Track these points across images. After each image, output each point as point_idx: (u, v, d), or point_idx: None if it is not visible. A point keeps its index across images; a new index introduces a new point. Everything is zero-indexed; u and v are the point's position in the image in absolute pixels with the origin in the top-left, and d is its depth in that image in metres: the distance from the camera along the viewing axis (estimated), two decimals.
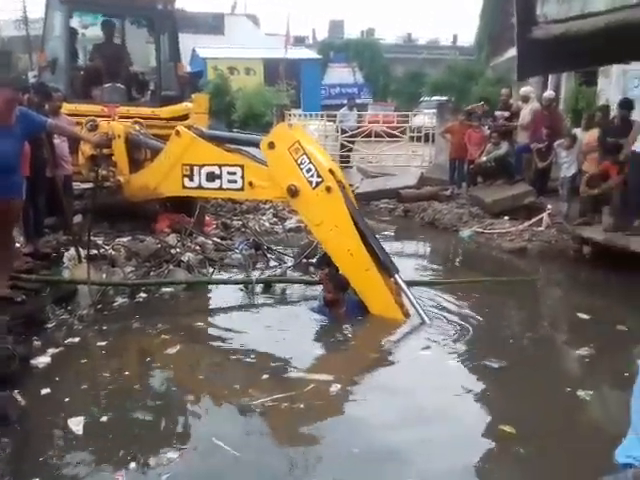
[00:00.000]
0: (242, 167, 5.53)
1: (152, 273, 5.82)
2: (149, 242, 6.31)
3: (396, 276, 5.02)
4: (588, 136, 8.31)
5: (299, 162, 5.09)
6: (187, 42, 23.88)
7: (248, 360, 4.22)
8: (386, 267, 5.00)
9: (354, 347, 4.72)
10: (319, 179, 5.02)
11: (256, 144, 5.58)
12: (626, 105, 7.48)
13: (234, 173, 5.58)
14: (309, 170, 5.05)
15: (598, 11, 6.64)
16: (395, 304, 4.92)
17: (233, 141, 6.42)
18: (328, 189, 4.99)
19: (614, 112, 8.38)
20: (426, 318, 4.87)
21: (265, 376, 3.88)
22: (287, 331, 4.80)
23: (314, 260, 6.51)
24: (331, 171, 5.14)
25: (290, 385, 3.73)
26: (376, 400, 3.63)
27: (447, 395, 3.68)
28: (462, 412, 3.54)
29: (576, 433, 3.35)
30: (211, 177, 5.71)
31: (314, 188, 5.04)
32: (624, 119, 7.29)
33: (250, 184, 5.49)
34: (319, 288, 5.50)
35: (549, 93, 10.52)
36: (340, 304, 5.02)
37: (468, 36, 30.57)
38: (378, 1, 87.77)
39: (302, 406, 3.47)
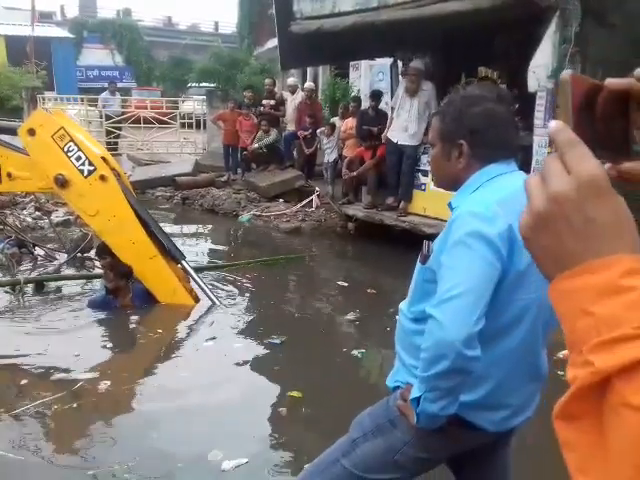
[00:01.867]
0: None
1: None
2: None
3: (183, 262, 5.04)
4: (345, 124, 9.20)
5: (66, 150, 4.75)
6: None
7: (21, 365, 3.89)
8: (172, 254, 4.98)
9: (139, 337, 4.62)
10: (91, 167, 4.75)
11: (12, 131, 5.04)
12: (375, 96, 8.47)
13: None
14: (79, 158, 4.75)
15: (347, 11, 7.38)
16: (184, 290, 4.93)
17: None
18: (102, 177, 4.75)
19: (366, 102, 9.40)
20: (215, 300, 4.99)
21: (40, 380, 3.69)
22: (65, 329, 4.50)
23: (91, 253, 6.13)
24: (104, 159, 4.90)
25: (64, 386, 3.55)
26: (170, 389, 3.63)
27: (234, 374, 3.84)
28: (250, 387, 3.71)
29: (357, 387, 3.75)
30: None
31: (86, 177, 4.76)
32: (376, 109, 8.26)
33: (9, 175, 4.93)
34: (100, 281, 5.25)
35: (309, 84, 11.34)
36: (124, 292, 4.85)
37: (230, 24, 31.01)
38: None
39: (76, 405, 3.36)
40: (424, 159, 7.02)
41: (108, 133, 13.01)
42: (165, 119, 13.69)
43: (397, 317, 1.74)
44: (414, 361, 1.60)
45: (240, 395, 3.57)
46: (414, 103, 7.06)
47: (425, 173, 6.96)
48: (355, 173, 7.77)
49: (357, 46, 8.37)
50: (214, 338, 4.38)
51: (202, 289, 5.04)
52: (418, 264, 1.64)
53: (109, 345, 4.40)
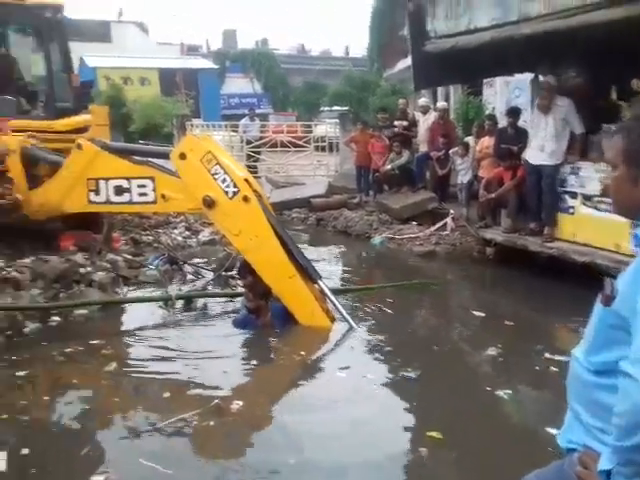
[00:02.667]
0: (153, 179, 5.36)
1: (62, 295, 5.48)
2: (55, 262, 5.91)
3: (319, 282, 5.09)
4: (480, 143, 8.89)
5: (213, 172, 5.02)
6: (74, 50, 22.70)
7: (170, 379, 4.09)
8: (309, 274, 5.06)
9: (277, 360, 4.66)
10: (235, 189, 4.98)
11: (165, 155, 5.44)
12: (513, 113, 8.10)
13: (144, 186, 5.39)
14: (224, 180, 5.00)
15: (483, 27, 7.15)
16: (321, 310, 4.98)
17: (140, 153, 6.22)
18: (245, 199, 4.96)
19: (502, 120, 9.03)
20: (353, 324, 4.98)
21: (187, 393, 3.82)
22: (210, 347, 4.68)
23: (234, 272, 6.45)
24: (246, 180, 5.12)
25: (202, 402, 3.64)
26: (295, 415, 3.59)
27: (369, 408, 3.67)
28: (386, 422, 3.54)
29: (504, 433, 3.45)
30: (120, 191, 5.48)
31: (231, 198, 4.99)
32: (515, 127, 7.89)
33: (163, 196, 5.32)
34: (241, 300, 5.47)
35: (442, 104, 11.16)
36: (264, 311, 4.99)
37: (360, 47, 31.64)
38: (270, 12, 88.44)
39: (223, 422, 3.42)
40: (571, 179, 6.55)
41: (248, 157, 13.77)
42: (300, 142, 14.20)
43: (571, 364, 1.53)
44: (596, 421, 1.42)
45: (376, 430, 3.42)
46: (549, 120, 6.66)
47: (573, 195, 6.48)
48: (494, 195, 7.44)
49: (494, 63, 8.07)
50: (348, 367, 4.26)
51: (339, 311, 5.07)
52: (599, 305, 1.44)
53: (247, 365, 4.49)
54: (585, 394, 1.47)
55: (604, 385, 1.40)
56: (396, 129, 10.61)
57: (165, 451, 3.14)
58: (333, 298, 5.11)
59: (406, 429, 3.49)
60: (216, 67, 28.00)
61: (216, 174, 5.01)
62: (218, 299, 5.88)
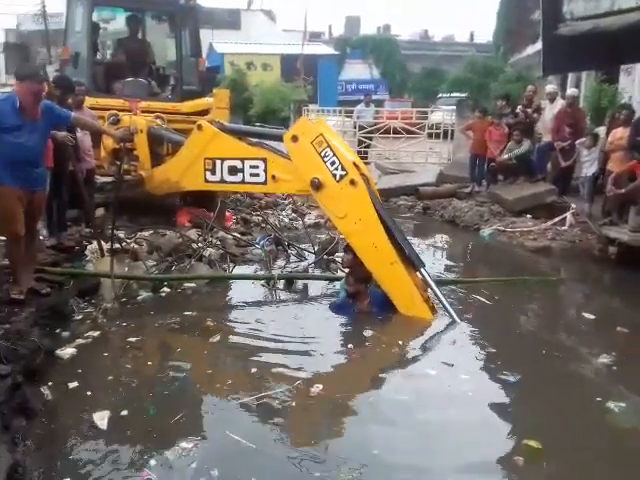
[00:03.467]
0: (265, 160, 5.48)
1: (174, 267, 5.82)
2: (171, 236, 6.31)
3: (422, 270, 4.96)
4: (612, 135, 8.17)
5: (323, 155, 5.03)
6: (204, 37, 23.92)
7: (263, 357, 4.16)
8: (411, 261, 4.94)
9: (370, 348, 4.54)
10: (343, 172, 4.97)
11: (279, 137, 5.53)
12: None
13: (257, 167, 5.53)
14: (333, 163, 5.00)
15: (628, 7, 6.49)
16: (421, 299, 4.85)
17: (255, 135, 6.38)
18: (352, 182, 4.93)
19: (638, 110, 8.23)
20: (455, 317, 4.80)
21: (278, 371, 3.86)
22: (307, 329, 4.72)
23: (335, 256, 6.49)
24: (355, 164, 5.08)
25: (297, 382, 3.68)
26: (383, 410, 3.49)
27: (461, 410, 3.49)
28: (481, 425, 3.35)
29: (612, 448, 3.17)
30: (233, 171, 5.67)
31: (338, 181, 4.98)
32: None
33: (273, 177, 5.44)
34: (339, 284, 5.48)
35: (572, 91, 10.37)
36: (363, 296, 4.96)
37: (485, 33, 30.34)
38: None
39: (312, 403, 3.44)
40: None
41: (360, 143, 13.73)
42: (413, 129, 13.92)
43: None
44: None
45: (469, 433, 3.25)
46: None
47: None
48: (624, 190, 6.79)
49: (636, 47, 7.34)
50: (444, 364, 4.09)
51: (442, 303, 4.91)
52: None
53: (340, 351, 4.43)
54: None
55: None
56: (518, 116, 10.03)
57: (252, 426, 3.23)
58: (436, 288, 4.96)
59: (502, 435, 3.28)
60: (336, 53, 28.20)
61: (326, 157, 5.03)
62: (318, 282, 5.93)
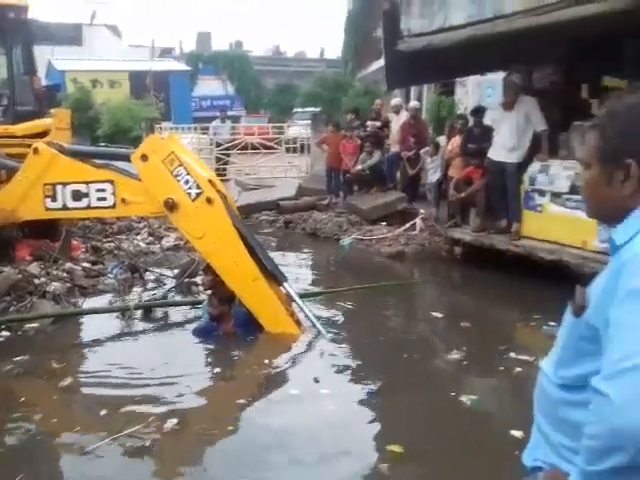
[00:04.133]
0: (112, 183, 5.15)
1: (12, 308, 5.23)
2: (9, 273, 5.66)
3: (285, 285, 4.94)
4: (451, 143, 8.84)
5: (175, 174, 4.84)
6: (42, 54, 22.24)
7: (124, 394, 3.88)
8: (274, 276, 4.89)
9: (236, 373, 4.42)
10: (198, 190, 4.81)
11: (126, 157, 5.24)
12: (477, 112, 8.08)
13: (103, 190, 5.17)
14: (187, 182, 4.82)
15: (458, 24, 7.06)
16: (286, 314, 4.82)
17: (100, 155, 6.00)
18: (209, 200, 4.79)
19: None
20: (321, 329, 4.81)
21: (139, 408, 3.62)
22: (168, 359, 4.47)
23: (197, 279, 6.27)
24: (211, 182, 4.95)
25: (162, 417, 3.48)
26: (248, 433, 3.42)
27: (326, 421, 3.48)
28: (345, 437, 3.34)
29: (469, 443, 3.28)
30: (77, 196, 5.26)
31: (193, 200, 4.82)
32: (481, 126, 7.85)
33: (123, 201, 5.12)
34: (202, 307, 5.30)
35: (414, 103, 11.10)
36: (227, 318, 4.83)
37: (335, 49, 31.58)
38: (245, 14, 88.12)
39: (166, 440, 3.24)
40: (540, 178, 6.49)
41: (217, 160, 13.54)
42: (271, 144, 14.04)
43: (539, 378, 1.41)
44: (565, 440, 1.31)
45: (334, 446, 3.22)
46: (512, 118, 6.64)
47: (542, 193, 6.42)
48: (463, 194, 7.36)
49: (468, 61, 8.01)
50: (314, 381, 4.03)
51: (307, 316, 4.91)
52: (569, 316, 1.33)
53: (201, 378, 4.23)
54: (553, 411, 1.36)
55: (574, 401, 1.29)
56: (368, 129, 10.51)
57: (110, 470, 2.99)
58: (300, 301, 4.97)
59: (365, 445, 3.30)
60: (188, 69, 27.68)
61: (178, 175, 4.84)
62: (180, 307, 5.68)
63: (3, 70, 7.76)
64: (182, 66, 27.62)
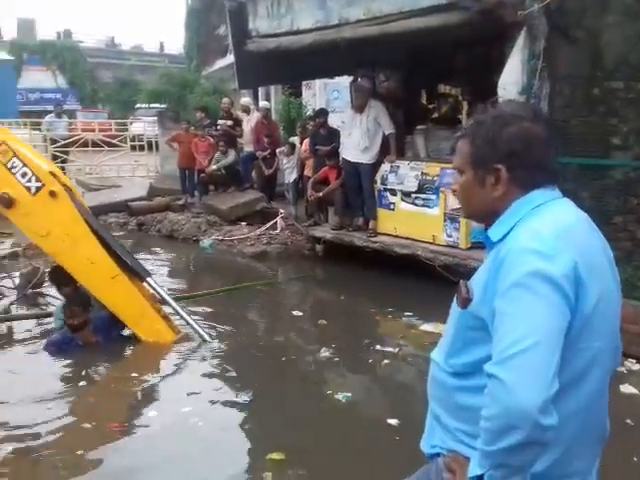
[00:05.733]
0: None
1: None
2: None
3: (149, 280, 4.68)
4: (305, 144, 9.05)
5: (10, 166, 4.39)
6: None
7: None
8: (136, 272, 4.60)
9: (97, 393, 4.10)
10: (39, 184, 4.38)
11: None
12: (321, 114, 8.41)
13: None
14: (24, 174, 4.38)
15: (306, 29, 7.24)
16: (152, 310, 4.58)
17: None
18: (52, 194, 4.39)
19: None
20: (199, 331, 4.64)
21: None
22: (16, 381, 4.04)
23: (43, 289, 5.69)
24: (53, 174, 4.52)
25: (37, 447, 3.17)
26: (117, 453, 3.19)
27: (195, 443, 3.28)
28: (221, 454, 3.21)
29: (348, 440, 3.31)
30: None
31: (34, 194, 4.38)
32: (327, 127, 8.15)
33: None
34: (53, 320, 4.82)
35: (264, 104, 11.16)
36: (84, 326, 4.41)
37: (176, 44, 30.65)
38: (73, 1, 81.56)
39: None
40: (391, 177, 6.90)
41: (54, 158, 12.37)
42: (114, 142, 13.19)
43: (430, 368, 1.48)
44: (461, 424, 1.38)
45: (212, 463, 3.08)
46: (362, 120, 7.00)
47: (393, 192, 6.83)
48: (321, 194, 7.57)
49: (317, 65, 8.27)
50: (190, 394, 3.84)
51: (181, 315, 4.72)
52: (455, 308, 1.41)
53: (53, 399, 3.81)
54: (447, 398, 1.43)
55: (466, 387, 1.37)
56: (219, 128, 10.34)
57: None
58: (167, 297, 4.77)
59: (243, 457, 3.20)
60: (11, 59, 24.96)
61: (14, 168, 4.38)
62: (26, 321, 5.11)
63: None
64: (4, 55, 24.82)
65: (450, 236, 6.25)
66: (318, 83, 13.07)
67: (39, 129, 13.04)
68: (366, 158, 7.02)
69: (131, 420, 3.63)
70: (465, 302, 1.35)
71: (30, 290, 5.65)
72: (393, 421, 3.50)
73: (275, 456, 3.07)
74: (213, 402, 3.78)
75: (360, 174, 7.07)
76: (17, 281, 5.87)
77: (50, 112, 13.78)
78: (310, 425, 3.53)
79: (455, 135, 1.51)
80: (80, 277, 4.47)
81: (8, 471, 2.97)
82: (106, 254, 4.47)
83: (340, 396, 3.77)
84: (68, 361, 4.36)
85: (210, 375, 4.20)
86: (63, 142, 12.61)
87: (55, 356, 4.41)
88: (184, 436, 3.34)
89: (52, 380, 4.08)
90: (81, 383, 4.05)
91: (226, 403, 3.76)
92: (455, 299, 1.40)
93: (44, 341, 4.61)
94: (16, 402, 3.70)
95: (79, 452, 3.17)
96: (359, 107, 7.10)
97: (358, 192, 7.16)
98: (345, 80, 10.11)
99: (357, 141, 7.05)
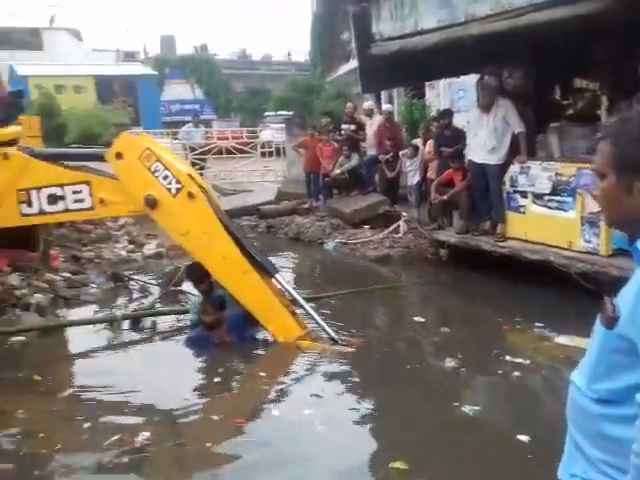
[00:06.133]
0: (88, 184, 5.04)
1: None
2: None
3: (277, 277, 4.87)
4: (428, 145, 8.91)
5: (153, 170, 4.76)
6: (2, 58, 21.62)
7: (121, 410, 3.77)
8: (265, 269, 4.81)
9: (227, 385, 4.30)
10: (178, 185, 4.72)
11: (99, 157, 5.12)
12: (445, 115, 8.20)
13: (79, 192, 5.07)
14: (166, 177, 4.74)
15: (430, 28, 7.13)
16: (280, 305, 4.75)
17: (73, 157, 5.89)
18: (190, 195, 4.71)
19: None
20: (327, 328, 4.73)
21: (131, 422, 3.56)
22: (160, 371, 4.40)
23: (183, 287, 6.16)
24: (190, 176, 4.87)
25: (169, 436, 3.42)
26: (242, 452, 3.29)
27: (318, 441, 3.36)
28: (344, 458, 3.21)
29: (474, 456, 3.20)
30: (53, 199, 5.13)
31: (174, 196, 4.73)
32: (451, 128, 7.96)
33: (101, 201, 5.01)
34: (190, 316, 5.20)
35: (387, 107, 11.16)
36: (219, 324, 4.73)
37: (302, 52, 31.58)
38: (208, 17, 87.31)
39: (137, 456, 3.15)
40: (521, 179, 6.58)
41: (193, 165, 13.33)
42: (246, 149, 13.92)
43: (570, 392, 1.37)
44: (603, 455, 1.27)
45: (334, 468, 3.11)
46: (489, 120, 6.73)
47: (524, 194, 6.51)
48: (446, 197, 7.42)
49: (441, 64, 8.11)
50: (316, 396, 3.91)
51: (301, 305, 4.88)
52: (599, 327, 1.28)
53: (199, 391, 4.15)
54: (589, 426, 1.31)
55: (612, 416, 1.25)
56: (343, 132, 10.52)
57: None
58: (292, 291, 4.94)
59: (365, 464, 3.19)
60: (155, 73, 27.26)
61: (156, 171, 4.75)
62: (168, 317, 5.55)
63: None
64: (149, 70, 27.18)
65: (589, 242, 5.81)
66: (442, 83, 12.79)
67: (178, 138, 14.11)
68: (494, 159, 6.77)
69: (255, 417, 3.78)
70: (610, 321, 1.24)
71: (172, 288, 6.14)
72: (524, 437, 3.33)
73: (398, 465, 3.04)
74: (336, 406, 3.82)
75: (487, 176, 6.83)
76: (160, 279, 6.41)
77: (188, 122, 14.86)
78: (435, 437, 3.44)
79: (596, 136, 1.41)
80: (215, 272, 4.78)
81: (142, 457, 3.20)
82: (238, 251, 4.72)
83: (467, 409, 3.63)
84: (204, 357, 4.69)
85: (334, 378, 4.26)
86: (200, 150, 13.55)
87: (193, 351, 4.76)
88: (304, 438, 3.41)
89: (189, 374, 4.40)
90: (216, 379, 4.28)
91: (349, 408, 3.77)
92: (599, 317, 1.29)
93: (184, 336, 4.98)
94: (155, 391, 4.03)
95: (208, 444, 3.36)
96: (486, 106, 6.86)
97: (485, 194, 6.92)
98: (471, 79, 9.80)
99: (484, 141, 6.82)
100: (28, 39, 29.67)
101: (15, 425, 3.57)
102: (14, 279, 5.75)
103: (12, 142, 6.80)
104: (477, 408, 3.65)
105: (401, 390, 4.09)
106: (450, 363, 4.39)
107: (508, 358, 4.47)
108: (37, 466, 3.16)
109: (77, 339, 5.09)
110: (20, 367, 4.46)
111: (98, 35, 78.59)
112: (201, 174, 13.24)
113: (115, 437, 3.31)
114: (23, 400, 4.02)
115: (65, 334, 5.23)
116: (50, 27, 33.07)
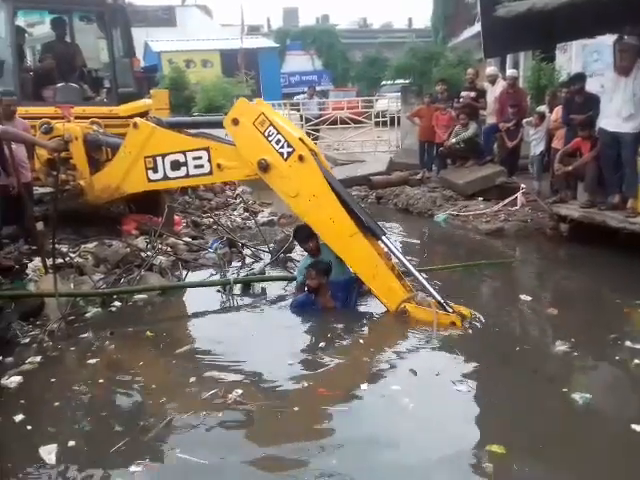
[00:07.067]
0: (207, 150, 5.32)
1: (123, 280, 5.53)
2: (117, 247, 6.00)
3: (384, 239, 4.84)
4: (555, 113, 8.30)
5: (267, 134, 4.88)
6: (138, 36, 23.11)
7: (225, 368, 3.95)
8: (372, 231, 4.81)
9: (329, 349, 4.28)
10: (290, 149, 4.82)
11: (218, 124, 5.33)
12: (578, 79, 7.51)
13: (200, 157, 5.37)
14: (278, 141, 4.85)
15: None
16: (386, 268, 4.72)
17: (194, 125, 6.24)
18: (301, 158, 4.80)
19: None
20: (435, 294, 4.62)
21: (233, 380, 3.73)
22: (269, 334, 4.57)
23: (292, 255, 6.34)
24: (301, 140, 4.94)
25: (261, 395, 3.57)
26: (336, 418, 3.33)
27: (417, 419, 3.26)
28: (440, 437, 3.12)
29: (580, 446, 3.02)
30: (176, 165, 5.49)
31: (286, 159, 4.84)
32: (583, 93, 7.30)
33: (218, 166, 5.29)
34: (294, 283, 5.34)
35: (512, 72, 10.50)
36: (324, 290, 4.83)
37: (423, 19, 30.60)
38: None
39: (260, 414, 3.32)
40: None
41: (307, 135, 13.56)
42: (360, 119, 13.86)
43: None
44: None
45: (428, 446, 3.06)
46: (628, 84, 6.08)
47: None
48: (571, 168, 6.88)
49: (573, 25, 7.44)
50: (412, 372, 3.81)
51: (408, 268, 4.81)
52: None
53: (301, 354, 4.21)
54: None
55: None
56: (462, 100, 10.09)
57: (203, 442, 3.09)
58: (399, 254, 4.89)
59: (460, 443, 3.05)
60: (276, 46, 27.86)
61: (270, 136, 4.88)
62: (277, 282, 5.75)
63: (104, 54, 8.15)
64: (271, 43, 27.85)
65: None
66: (575, 45, 11.76)
67: (297, 109, 14.37)
68: (629, 127, 6.15)
69: (342, 389, 3.75)
70: None
71: (282, 255, 6.34)
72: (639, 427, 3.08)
73: (496, 448, 2.94)
74: (428, 384, 3.70)
75: (620, 145, 6.24)
76: (272, 246, 6.64)
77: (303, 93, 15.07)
78: (539, 423, 3.24)
79: None
80: (322, 234, 4.88)
81: (231, 413, 3.35)
82: (346, 213, 4.76)
83: (577, 396, 3.40)
84: (308, 323, 4.79)
85: (432, 355, 4.13)
86: (315, 120, 13.70)
87: (298, 315, 4.90)
88: (392, 414, 3.35)
89: (291, 338, 4.51)
90: (321, 344, 4.33)
91: (443, 387, 3.63)
92: None
93: (289, 301, 5.15)
94: (254, 352, 4.19)
95: (295, 408, 3.44)
96: (624, 69, 6.21)
97: (616, 166, 6.33)
98: (607, 39, 8.90)
99: (619, 108, 6.21)
100: (163, 16, 31.60)
101: (130, 374, 3.90)
102: (140, 242, 6.25)
103: (143, 114, 7.36)
104: (588, 396, 3.40)
105: (505, 372, 3.91)
106: (561, 346, 4.10)
107: (628, 344, 4.12)
108: (141, 416, 3.41)
109: (193, 300, 5.44)
110: (139, 323, 4.85)
111: (226, 9, 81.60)
112: (315, 144, 13.50)
113: (213, 391, 3.53)
114: (140, 352, 4.39)
115: (183, 294, 5.61)
116: (183, 4, 34.93)
